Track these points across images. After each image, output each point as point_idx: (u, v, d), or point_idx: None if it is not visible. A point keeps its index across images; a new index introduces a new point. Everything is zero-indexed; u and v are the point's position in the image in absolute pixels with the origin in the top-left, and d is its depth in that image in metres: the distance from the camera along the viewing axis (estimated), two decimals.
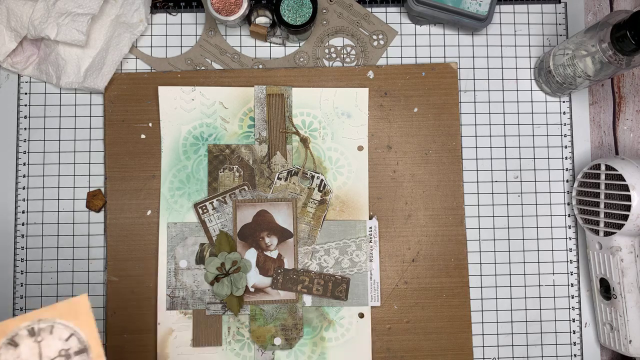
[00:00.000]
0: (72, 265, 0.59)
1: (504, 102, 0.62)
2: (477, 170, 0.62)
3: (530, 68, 0.63)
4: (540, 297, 0.61)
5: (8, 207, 0.60)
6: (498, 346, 0.60)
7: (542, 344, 0.61)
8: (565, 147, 0.62)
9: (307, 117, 0.60)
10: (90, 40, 0.58)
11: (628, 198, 0.52)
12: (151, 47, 0.61)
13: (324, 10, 0.62)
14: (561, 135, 0.62)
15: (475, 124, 0.62)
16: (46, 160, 0.60)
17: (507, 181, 0.62)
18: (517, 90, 0.62)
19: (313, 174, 0.60)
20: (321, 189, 0.60)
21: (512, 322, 0.61)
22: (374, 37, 0.62)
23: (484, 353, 0.60)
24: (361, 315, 0.59)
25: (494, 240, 0.61)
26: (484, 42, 0.62)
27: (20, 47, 0.60)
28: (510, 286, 0.61)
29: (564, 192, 0.62)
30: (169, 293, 0.58)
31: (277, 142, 0.60)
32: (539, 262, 0.61)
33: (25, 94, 0.61)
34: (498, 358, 0.60)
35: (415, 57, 0.62)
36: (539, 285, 0.61)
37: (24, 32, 0.58)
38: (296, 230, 0.59)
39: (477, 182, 0.62)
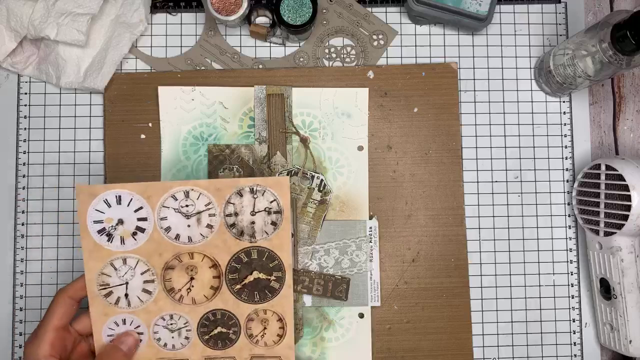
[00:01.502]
0: (72, 265, 0.59)
1: (504, 102, 0.62)
2: (477, 170, 0.62)
3: (530, 68, 0.63)
4: (540, 297, 0.61)
5: (8, 206, 0.60)
6: (498, 346, 0.60)
7: (542, 344, 0.61)
8: (566, 147, 0.62)
9: (307, 117, 0.60)
10: (90, 40, 0.58)
11: (628, 198, 0.52)
12: (151, 47, 0.61)
13: (324, 10, 0.62)
14: (561, 135, 0.62)
15: (475, 124, 0.62)
16: (46, 160, 0.60)
17: (507, 181, 0.62)
18: (517, 90, 0.62)
19: (313, 174, 0.60)
20: (321, 189, 0.60)
21: (512, 322, 0.61)
22: (374, 37, 0.62)
23: (484, 353, 0.60)
24: (361, 316, 0.59)
25: (494, 240, 0.61)
26: (484, 42, 0.62)
27: (20, 47, 0.60)
28: (511, 286, 0.61)
29: (564, 192, 0.62)
30: None
31: (277, 142, 0.60)
32: (539, 262, 0.61)
33: (25, 94, 0.61)
34: (498, 358, 0.60)
35: (415, 57, 0.62)
36: (539, 286, 0.61)
37: (24, 32, 0.58)
38: (296, 230, 0.59)
39: (477, 182, 0.62)
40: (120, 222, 0.49)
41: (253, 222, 0.50)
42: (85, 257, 0.50)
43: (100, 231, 0.49)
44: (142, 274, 0.51)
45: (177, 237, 0.50)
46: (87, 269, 0.50)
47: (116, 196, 0.49)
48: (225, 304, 0.52)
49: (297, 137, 0.60)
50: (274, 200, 0.50)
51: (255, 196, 0.49)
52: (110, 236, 0.49)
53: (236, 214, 0.50)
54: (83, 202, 0.49)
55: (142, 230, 0.50)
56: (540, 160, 0.62)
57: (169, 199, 0.49)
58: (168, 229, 0.50)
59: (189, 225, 0.50)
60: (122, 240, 0.50)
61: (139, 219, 0.49)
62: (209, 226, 0.50)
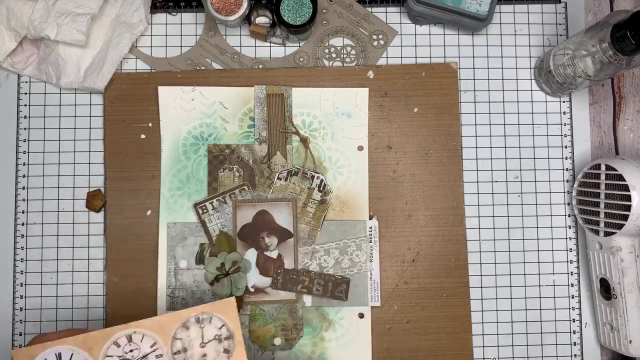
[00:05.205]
0: (72, 265, 0.59)
1: (504, 102, 0.62)
2: (477, 170, 0.62)
3: (530, 68, 0.63)
4: (540, 297, 0.61)
5: (8, 206, 0.60)
6: (498, 346, 0.60)
7: (542, 344, 0.61)
8: (566, 147, 0.62)
9: (307, 117, 0.60)
10: (90, 40, 0.58)
11: (628, 198, 0.52)
12: (151, 47, 0.61)
13: (324, 10, 0.62)
14: (561, 135, 0.62)
15: (475, 124, 0.62)
16: (46, 160, 0.60)
17: (507, 181, 0.62)
18: (517, 90, 0.62)
19: (313, 174, 0.60)
20: (321, 189, 0.60)
21: (512, 322, 0.61)
22: (374, 37, 0.62)
23: (484, 353, 0.60)
24: (361, 316, 0.59)
25: (494, 240, 0.61)
26: (484, 42, 0.62)
27: (20, 47, 0.60)
28: (511, 286, 0.61)
29: (564, 192, 0.62)
30: (169, 293, 0.58)
31: (277, 142, 0.60)
32: (539, 262, 0.61)
33: (25, 94, 0.61)
34: (498, 358, 0.60)
35: (415, 57, 0.62)
36: (539, 286, 0.61)
37: (24, 32, 0.58)
38: (296, 230, 0.59)
39: (477, 182, 0.62)
40: None
41: (204, 355, 0.47)
42: None
43: None
44: None
45: None
46: None
47: (56, 354, 0.45)
48: None
49: (297, 137, 0.60)
50: (223, 325, 0.47)
51: (202, 325, 0.47)
52: None
53: (185, 350, 0.47)
54: None
55: None
56: (540, 160, 0.62)
57: (112, 347, 0.46)
58: None
59: None
60: None
61: None
62: None
